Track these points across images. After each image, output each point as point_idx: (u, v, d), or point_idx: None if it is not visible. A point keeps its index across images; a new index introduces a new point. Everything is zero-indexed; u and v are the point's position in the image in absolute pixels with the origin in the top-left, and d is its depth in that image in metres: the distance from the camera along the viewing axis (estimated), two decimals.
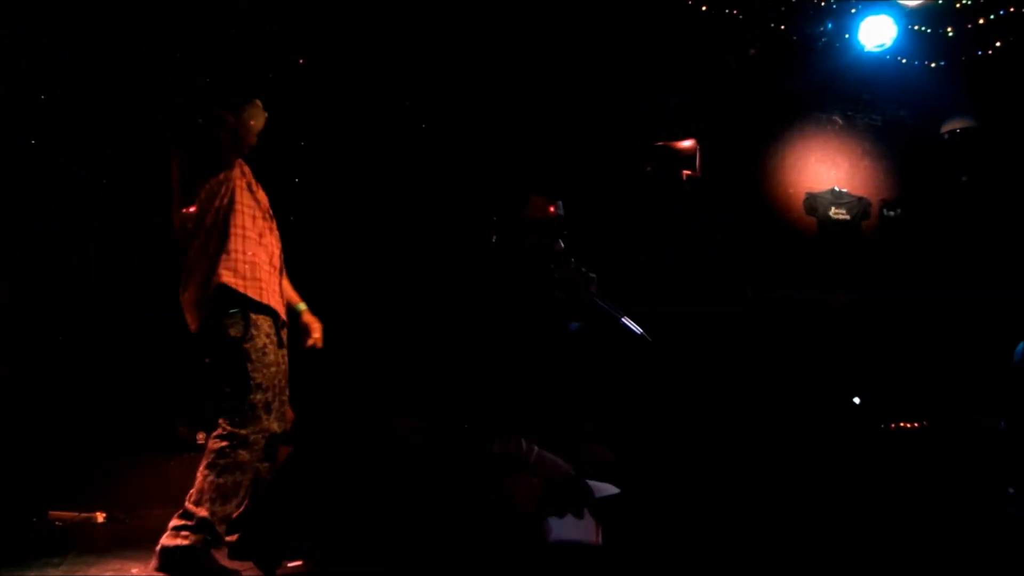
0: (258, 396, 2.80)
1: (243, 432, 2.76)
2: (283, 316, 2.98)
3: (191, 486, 2.78)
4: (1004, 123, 5.44)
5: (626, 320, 2.02)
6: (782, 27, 5.27)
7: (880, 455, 4.33)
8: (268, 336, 2.86)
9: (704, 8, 5.05)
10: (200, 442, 4.28)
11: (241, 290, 2.79)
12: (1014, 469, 3.74)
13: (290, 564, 2.88)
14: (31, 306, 4.14)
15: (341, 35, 4.59)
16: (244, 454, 2.77)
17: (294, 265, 3.20)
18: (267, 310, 2.86)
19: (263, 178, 3.11)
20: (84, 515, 3.76)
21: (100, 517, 3.77)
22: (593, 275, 2.03)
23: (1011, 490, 3.64)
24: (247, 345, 2.78)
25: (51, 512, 3.73)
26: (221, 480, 2.74)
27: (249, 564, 2.90)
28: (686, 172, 5.02)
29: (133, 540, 3.38)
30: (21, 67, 4.00)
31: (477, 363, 1.77)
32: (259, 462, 2.88)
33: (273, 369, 2.86)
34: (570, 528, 1.68)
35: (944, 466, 3.93)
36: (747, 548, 3.19)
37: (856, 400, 4.87)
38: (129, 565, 3.00)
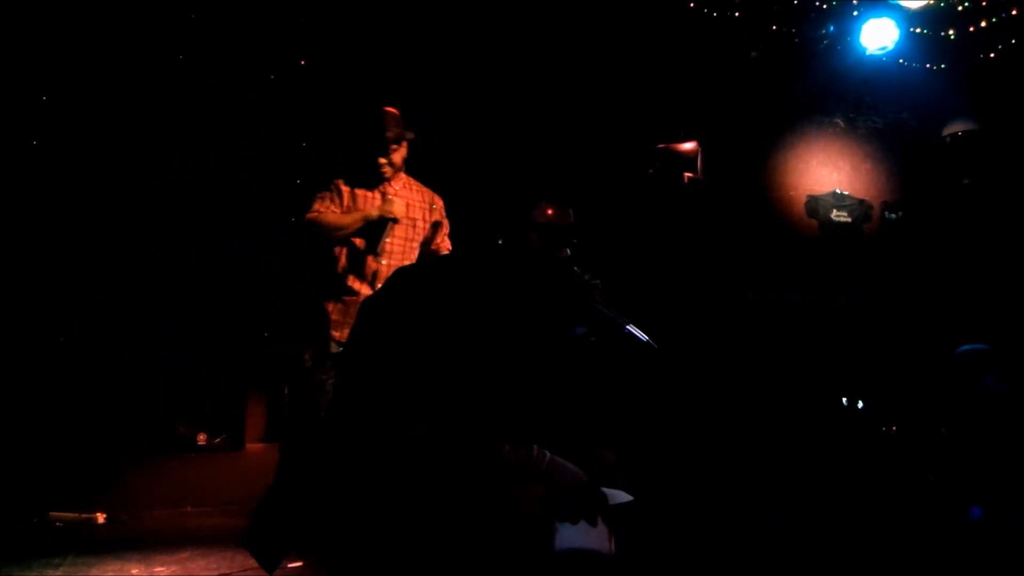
0: None
1: None
2: None
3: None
4: (1006, 126, 5.43)
5: (631, 327, 1.99)
6: (784, 30, 5.27)
7: (876, 458, 4.32)
8: None
9: (706, 11, 5.05)
10: (201, 443, 4.29)
11: None
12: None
13: (291, 565, 2.88)
14: (32, 307, 4.14)
15: (345, 35, 4.60)
16: None
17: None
18: None
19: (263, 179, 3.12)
20: (85, 516, 3.76)
21: (100, 518, 3.77)
22: (597, 281, 2.00)
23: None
24: None
25: (52, 512, 3.73)
26: None
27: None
28: (688, 174, 5.02)
29: (133, 541, 3.39)
30: None
31: (483, 366, 1.75)
32: None
33: None
34: (580, 536, 1.65)
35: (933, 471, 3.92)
36: (748, 550, 3.20)
37: (859, 404, 4.86)
38: (129, 566, 3.00)
